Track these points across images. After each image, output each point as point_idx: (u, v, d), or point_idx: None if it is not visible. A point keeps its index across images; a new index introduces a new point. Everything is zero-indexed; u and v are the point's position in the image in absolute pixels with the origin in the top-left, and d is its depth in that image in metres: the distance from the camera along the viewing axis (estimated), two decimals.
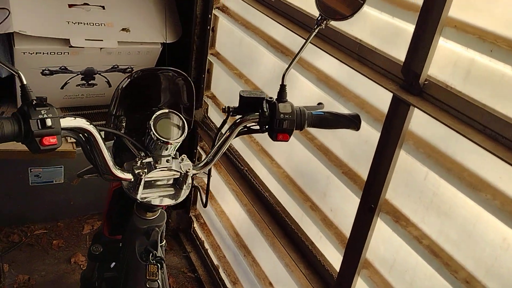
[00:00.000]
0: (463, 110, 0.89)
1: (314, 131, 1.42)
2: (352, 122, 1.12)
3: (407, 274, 1.11)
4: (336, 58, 1.20)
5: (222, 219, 2.07)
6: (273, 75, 1.62)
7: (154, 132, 1.03)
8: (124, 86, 1.05)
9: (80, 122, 0.92)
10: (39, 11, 1.88)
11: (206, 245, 2.26)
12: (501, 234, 0.87)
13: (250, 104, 1.12)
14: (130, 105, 1.12)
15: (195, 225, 2.37)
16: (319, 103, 1.22)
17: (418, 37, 0.96)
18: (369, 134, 1.19)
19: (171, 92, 1.16)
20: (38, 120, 0.82)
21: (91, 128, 0.94)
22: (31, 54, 1.88)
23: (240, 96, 1.12)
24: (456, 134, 0.88)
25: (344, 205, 1.32)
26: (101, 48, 1.97)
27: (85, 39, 1.91)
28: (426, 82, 0.97)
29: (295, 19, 1.41)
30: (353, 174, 1.26)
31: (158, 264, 1.22)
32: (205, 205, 1.33)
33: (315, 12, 1.09)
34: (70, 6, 1.97)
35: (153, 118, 1.04)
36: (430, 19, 0.93)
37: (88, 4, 2.00)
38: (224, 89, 2.02)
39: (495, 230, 0.88)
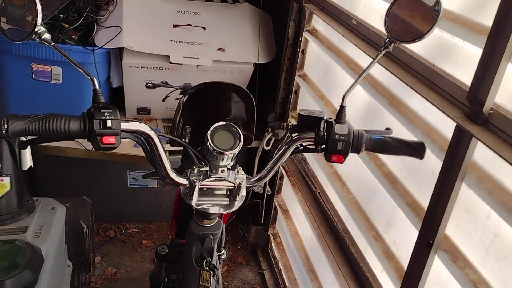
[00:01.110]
0: None
1: (383, 157, 1.37)
2: (416, 150, 1.05)
3: None
4: (406, 83, 1.15)
5: (295, 240, 2.06)
6: (351, 98, 1.60)
7: (211, 142, 1.08)
8: (187, 97, 1.12)
9: (140, 127, 1.00)
10: (146, 30, 2.09)
11: (280, 265, 2.25)
12: None
13: (309, 123, 1.12)
14: (194, 115, 1.19)
15: (272, 243, 2.39)
16: (387, 128, 1.18)
17: (485, 61, 0.89)
18: (437, 165, 1.11)
19: (232, 106, 1.21)
20: (100, 121, 0.92)
21: (151, 133, 1.02)
22: (137, 68, 2.09)
23: (299, 114, 1.13)
24: None
25: (407, 238, 1.24)
26: (197, 66, 2.12)
27: (184, 57, 2.08)
28: (491, 111, 0.89)
29: (373, 42, 1.38)
30: (417, 206, 1.18)
31: (211, 272, 1.25)
32: (260, 220, 1.34)
33: None
34: (175, 26, 2.16)
35: (211, 129, 1.09)
36: (498, 43, 0.85)
37: (191, 25, 2.18)
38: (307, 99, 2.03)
39: None
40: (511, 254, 0.87)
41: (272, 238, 2.39)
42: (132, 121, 1.01)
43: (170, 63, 2.08)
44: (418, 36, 1.02)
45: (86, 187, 2.29)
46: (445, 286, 1.04)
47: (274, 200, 2.36)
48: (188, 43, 2.12)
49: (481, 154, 0.95)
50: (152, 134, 1.02)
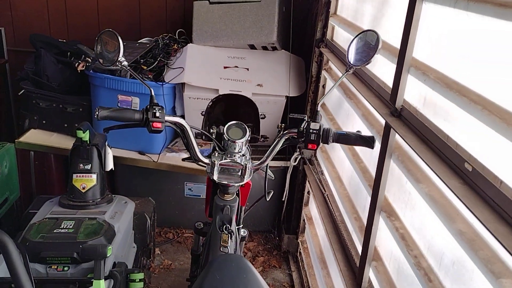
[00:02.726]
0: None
1: (362, 156, 1.79)
2: (368, 142, 1.49)
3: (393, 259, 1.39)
4: (358, 90, 1.60)
5: (314, 240, 2.46)
6: (348, 118, 2.05)
7: (226, 134, 1.60)
8: (211, 105, 1.66)
9: (178, 119, 1.55)
10: (203, 70, 2.71)
11: (305, 266, 2.64)
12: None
13: (295, 122, 1.60)
14: (217, 118, 1.72)
15: (301, 249, 2.79)
16: (358, 131, 1.62)
17: (396, 73, 1.34)
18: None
19: (242, 112, 1.73)
20: (152, 112, 1.48)
21: (185, 124, 1.57)
22: (194, 99, 2.70)
23: (289, 117, 1.62)
24: None
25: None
26: None
27: (230, 90, 2.65)
28: (401, 107, 1.33)
29: (357, 74, 1.85)
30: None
31: (229, 234, 1.72)
32: (265, 198, 1.80)
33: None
34: (225, 67, 2.77)
35: (226, 126, 1.61)
36: (402, 61, 1.30)
37: (237, 67, 2.77)
38: None
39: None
40: (416, 205, 1.26)
41: (301, 244, 2.80)
42: (174, 116, 1.56)
43: (219, 95, 2.66)
44: (366, 61, 1.48)
45: (151, 193, 2.87)
46: (384, 233, 1.44)
47: (303, 211, 2.79)
48: (234, 80, 2.71)
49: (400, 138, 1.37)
50: (186, 125, 1.57)
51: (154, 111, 1.49)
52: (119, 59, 1.55)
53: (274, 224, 3.06)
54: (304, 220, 2.79)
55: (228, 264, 1.28)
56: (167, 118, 1.53)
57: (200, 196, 2.99)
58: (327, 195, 2.20)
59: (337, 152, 2.22)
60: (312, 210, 2.68)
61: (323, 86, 2.54)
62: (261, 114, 2.82)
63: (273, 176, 1.85)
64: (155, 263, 2.80)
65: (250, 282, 1.18)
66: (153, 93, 1.55)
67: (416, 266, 1.19)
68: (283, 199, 2.86)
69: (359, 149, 1.86)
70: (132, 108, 2.72)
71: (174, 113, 2.87)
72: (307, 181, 2.70)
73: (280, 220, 3.02)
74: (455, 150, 1.01)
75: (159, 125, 1.50)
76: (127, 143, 2.81)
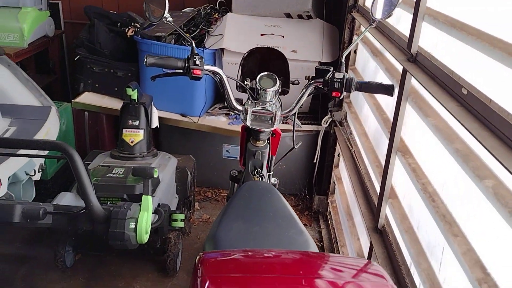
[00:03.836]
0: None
1: (386, 109, 1.92)
2: (388, 90, 1.62)
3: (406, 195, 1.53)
4: (380, 43, 1.73)
5: (342, 197, 2.61)
6: (374, 77, 2.18)
7: (258, 84, 1.77)
8: (245, 57, 1.84)
9: (216, 68, 1.74)
10: (241, 37, 2.89)
11: (334, 223, 2.80)
12: None
13: (321, 73, 1.75)
14: (251, 70, 1.89)
15: (330, 208, 2.94)
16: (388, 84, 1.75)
17: (412, 21, 1.46)
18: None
19: (274, 64, 1.89)
20: (193, 61, 1.67)
21: (222, 73, 1.75)
22: (232, 64, 2.88)
23: (316, 68, 1.77)
24: None
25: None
26: None
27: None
28: (417, 53, 1.46)
29: (387, 34, 1.97)
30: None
31: (260, 178, 1.91)
32: (294, 147, 1.97)
33: None
34: (262, 35, 2.93)
35: (259, 76, 1.78)
36: (417, 10, 1.43)
37: (273, 34, 2.93)
38: (356, 99, 2.62)
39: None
40: (430, 145, 1.39)
41: (330, 204, 2.95)
42: (212, 66, 1.75)
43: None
44: (388, 15, 1.61)
45: (191, 153, 3.09)
46: (400, 172, 1.58)
47: (333, 173, 2.93)
48: (269, 45, 2.86)
49: (415, 82, 1.50)
50: (222, 74, 1.75)
51: (195, 59, 1.69)
52: (164, 15, 1.74)
53: (306, 186, 3.22)
54: (334, 181, 2.94)
55: (257, 187, 1.46)
56: (205, 66, 1.72)
57: (237, 158, 3.19)
58: (354, 151, 2.34)
59: (365, 111, 2.35)
60: (342, 171, 2.82)
61: (355, 51, 2.65)
62: (294, 80, 2.97)
63: (300, 126, 2.00)
64: (194, 216, 3.03)
65: (274, 200, 1.35)
66: (193, 45, 1.74)
67: (423, 191, 1.33)
68: (315, 162, 3.02)
69: (382, 102, 1.99)
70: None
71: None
72: (337, 144, 2.84)
73: (312, 182, 3.18)
74: (453, 78, 1.14)
75: (198, 72, 1.70)
76: (170, 106, 3.04)
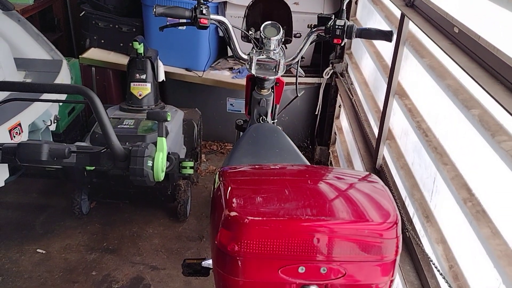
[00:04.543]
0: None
1: (385, 56, 2.00)
2: (387, 35, 1.69)
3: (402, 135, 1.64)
4: None
5: (342, 146, 2.73)
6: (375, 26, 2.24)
7: (263, 32, 1.84)
8: (249, 7, 1.91)
9: (222, 18, 1.81)
10: None
11: None
12: None
13: (323, 21, 1.82)
14: (255, 20, 1.96)
15: (331, 158, 3.07)
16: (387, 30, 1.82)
17: None
18: None
19: (277, 14, 1.95)
20: (199, 10, 1.74)
21: (228, 22, 1.82)
22: (235, 17, 2.93)
23: (318, 16, 1.84)
24: None
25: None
26: None
27: None
28: None
29: None
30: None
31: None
32: (297, 94, 2.06)
33: None
34: None
35: (263, 25, 1.85)
36: None
37: None
38: (356, 49, 2.69)
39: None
40: (425, 86, 1.49)
41: (331, 154, 3.07)
42: (218, 15, 1.82)
43: None
44: None
45: (197, 107, 3.19)
46: (396, 112, 1.68)
47: (334, 124, 3.04)
48: None
49: (412, 26, 1.57)
50: (228, 23, 1.82)
51: (201, 9, 1.75)
52: None
53: (308, 137, 3.34)
54: (335, 132, 3.05)
55: (263, 127, 1.57)
56: (212, 16, 1.79)
57: (240, 111, 3.29)
58: (354, 100, 2.43)
59: (365, 60, 2.43)
60: (343, 121, 2.93)
61: (356, 2, 2.70)
62: (296, 33, 3.03)
63: (303, 73, 2.09)
64: (201, 167, 3.17)
65: (279, 139, 1.46)
66: None
67: (418, 128, 1.44)
68: (316, 113, 3.12)
69: (381, 49, 2.06)
70: (179, 28, 2.99)
71: (217, 33, 3.12)
72: (338, 95, 2.93)
73: (314, 133, 3.29)
74: (446, 18, 1.22)
75: (205, 21, 1.77)
76: (175, 61, 3.11)
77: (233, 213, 0.72)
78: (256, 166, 0.95)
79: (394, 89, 1.68)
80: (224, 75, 3.13)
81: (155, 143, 2.02)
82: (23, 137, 1.79)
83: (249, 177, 0.84)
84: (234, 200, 0.76)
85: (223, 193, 0.80)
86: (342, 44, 2.17)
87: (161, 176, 1.52)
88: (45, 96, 1.63)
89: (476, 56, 1.08)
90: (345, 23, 1.75)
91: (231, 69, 3.20)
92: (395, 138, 1.76)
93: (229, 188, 0.80)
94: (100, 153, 1.43)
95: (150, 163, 1.45)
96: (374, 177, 0.91)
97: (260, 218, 0.71)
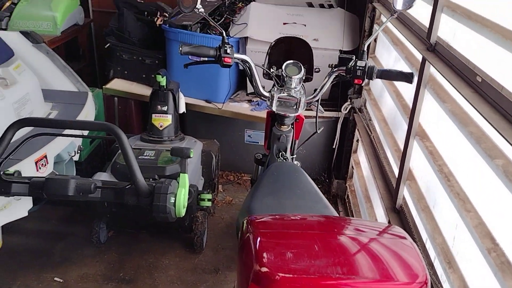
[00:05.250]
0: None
1: (402, 93, 2.02)
2: (407, 77, 1.72)
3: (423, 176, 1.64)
4: (400, 32, 1.83)
5: (360, 181, 2.72)
6: (394, 65, 2.27)
7: (284, 71, 1.88)
8: (271, 46, 1.95)
9: (245, 57, 1.86)
10: (264, 26, 2.99)
11: (352, 206, 2.91)
12: None
13: (344, 61, 1.86)
14: (277, 59, 2.00)
15: (349, 192, 3.06)
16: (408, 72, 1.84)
17: (431, 13, 1.56)
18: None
19: (299, 53, 1.99)
20: (224, 50, 1.79)
21: (251, 61, 1.87)
22: (256, 52, 2.99)
23: (339, 56, 1.87)
24: None
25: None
26: None
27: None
28: (435, 43, 1.55)
29: (409, 27, 2.06)
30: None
31: (284, 160, 2.02)
32: (316, 131, 2.08)
33: None
34: (284, 23, 3.04)
35: (285, 64, 1.89)
36: (437, 1, 1.52)
37: (295, 23, 3.03)
38: (375, 86, 2.71)
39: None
40: (447, 129, 1.49)
41: (348, 188, 3.07)
42: (241, 54, 1.86)
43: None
44: (409, 6, 1.70)
45: (215, 138, 3.22)
46: (417, 155, 1.68)
47: (351, 158, 3.04)
48: (292, 34, 2.96)
49: (434, 70, 1.59)
50: (251, 62, 1.87)
51: (226, 48, 1.80)
52: (197, 5, 1.86)
53: (325, 171, 3.34)
54: (352, 166, 3.05)
55: (284, 166, 1.58)
56: (236, 55, 1.83)
57: (258, 143, 3.32)
58: (373, 136, 2.44)
59: (384, 98, 2.45)
60: (360, 155, 2.93)
61: (375, 40, 2.74)
62: (315, 68, 3.07)
63: (323, 111, 2.11)
64: (218, 198, 3.18)
65: (300, 179, 1.47)
66: (224, 34, 1.86)
67: (439, 172, 1.44)
68: (334, 147, 3.13)
69: (401, 89, 2.08)
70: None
71: (237, 67, 3.18)
72: (356, 130, 2.94)
73: (331, 167, 3.29)
74: (469, 67, 1.24)
75: (229, 60, 1.82)
76: (196, 92, 3.17)
77: (264, 269, 0.73)
78: (285, 217, 0.96)
79: (414, 130, 1.69)
80: (243, 107, 3.18)
81: (176, 177, 2.04)
82: (48, 169, 1.84)
83: (278, 229, 0.85)
84: (264, 254, 0.77)
85: (252, 246, 0.81)
86: (363, 85, 2.20)
87: (183, 212, 1.54)
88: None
89: (499, 107, 1.09)
90: (366, 64, 1.78)
91: (250, 101, 3.25)
92: (415, 179, 1.76)
93: (259, 240, 0.81)
94: (124, 189, 1.46)
95: (172, 200, 1.47)
96: (403, 232, 0.91)
97: (291, 275, 0.73)
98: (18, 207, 1.71)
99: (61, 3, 3.25)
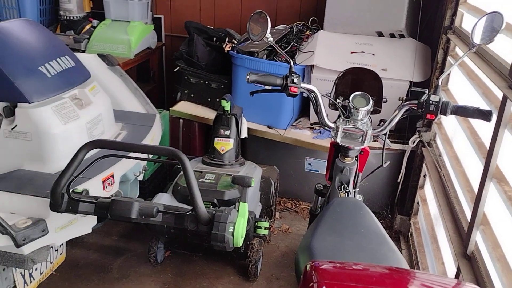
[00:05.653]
0: None
1: (478, 131, 1.90)
2: (486, 115, 1.61)
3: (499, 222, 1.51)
4: (480, 69, 1.73)
5: (426, 219, 2.57)
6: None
7: (352, 102, 1.83)
8: (339, 77, 1.91)
9: (311, 87, 1.83)
10: (331, 54, 2.96)
11: (416, 244, 2.75)
12: None
13: (416, 95, 1.78)
14: (344, 89, 1.96)
15: (413, 230, 2.90)
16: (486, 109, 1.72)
17: None
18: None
19: (367, 84, 1.94)
20: (291, 79, 1.77)
21: (317, 91, 1.84)
22: (321, 80, 2.96)
23: (410, 90, 1.80)
24: None
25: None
26: None
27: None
28: None
29: (484, 57, 1.95)
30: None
31: (346, 194, 1.96)
32: (382, 165, 1.99)
33: None
34: (352, 52, 2.98)
35: (352, 95, 1.84)
36: None
37: (364, 52, 2.97)
38: (447, 120, 2.57)
39: None
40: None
41: (413, 225, 2.91)
42: (308, 84, 1.84)
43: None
44: (489, 40, 1.61)
45: (275, 164, 3.20)
46: (493, 199, 1.56)
47: (417, 194, 2.89)
48: (359, 64, 2.90)
49: None
50: (317, 92, 1.84)
51: (292, 77, 1.79)
52: (266, 35, 1.87)
53: (388, 205, 3.20)
54: (418, 202, 2.90)
55: (348, 202, 1.52)
56: (302, 85, 1.81)
57: (318, 171, 3.25)
58: (443, 173, 2.31)
59: (456, 133, 2.31)
60: (427, 192, 2.78)
61: (448, 74, 2.62)
62: (383, 98, 2.98)
63: (390, 145, 2.03)
64: (274, 225, 3.13)
65: (365, 217, 1.41)
66: (292, 64, 1.85)
67: None
68: (399, 181, 3.00)
69: (476, 126, 1.96)
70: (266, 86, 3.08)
71: (301, 94, 3.16)
72: (424, 164, 2.80)
73: (394, 201, 3.15)
74: None
75: (295, 89, 1.80)
76: (258, 118, 3.18)
77: None
78: (350, 267, 0.91)
79: (491, 172, 1.57)
80: (304, 134, 3.14)
81: (234, 202, 2.02)
82: (114, 188, 1.89)
83: (344, 281, 0.80)
84: None
85: None
86: (436, 120, 2.10)
87: (240, 242, 1.51)
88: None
89: None
90: (440, 99, 1.70)
91: (312, 128, 3.21)
92: (490, 224, 1.63)
93: None
94: (185, 215, 1.47)
95: (231, 229, 1.45)
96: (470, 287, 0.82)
97: None
98: (83, 224, 1.76)
99: (136, 28, 3.42)
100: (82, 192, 1.57)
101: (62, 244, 2.06)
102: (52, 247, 1.75)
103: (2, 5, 3.34)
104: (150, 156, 1.92)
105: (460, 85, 2.37)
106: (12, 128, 1.79)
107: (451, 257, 1.94)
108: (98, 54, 2.51)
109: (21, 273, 1.79)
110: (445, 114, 1.69)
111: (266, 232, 2.35)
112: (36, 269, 1.88)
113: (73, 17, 3.46)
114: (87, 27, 3.48)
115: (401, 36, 2.99)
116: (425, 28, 3.08)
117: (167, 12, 3.87)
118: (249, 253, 2.55)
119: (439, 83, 1.72)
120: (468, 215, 1.81)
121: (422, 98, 1.74)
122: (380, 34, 3.00)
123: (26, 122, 1.78)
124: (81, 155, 1.43)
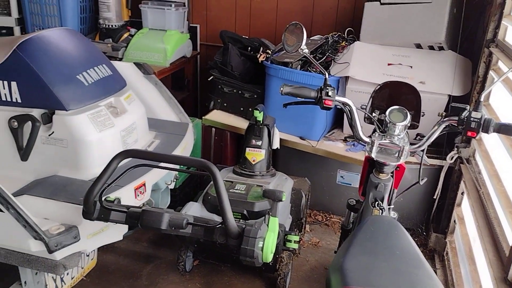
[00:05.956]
0: None
1: None
2: None
3: None
4: None
5: (463, 239, 2.47)
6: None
7: (388, 117, 1.78)
8: (376, 91, 1.86)
9: (347, 100, 1.79)
10: (367, 66, 2.90)
11: (451, 264, 2.65)
12: None
13: (457, 111, 1.71)
14: (380, 103, 1.91)
15: (448, 248, 2.79)
16: None
17: None
18: None
19: (405, 98, 1.88)
20: (325, 92, 1.74)
21: (352, 105, 1.80)
22: (356, 92, 2.91)
23: (450, 106, 1.73)
24: None
25: None
26: None
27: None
28: None
29: None
30: None
31: (380, 210, 1.90)
32: (419, 183, 1.92)
33: None
34: (389, 64, 2.92)
35: (389, 109, 1.79)
36: None
37: (401, 64, 2.90)
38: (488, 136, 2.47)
39: None
40: None
41: (448, 244, 2.80)
42: (343, 97, 1.80)
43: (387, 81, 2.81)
44: None
45: (306, 176, 3.15)
46: None
47: (454, 212, 2.78)
48: (396, 76, 2.84)
49: None
50: (352, 106, 1.80)
51: (327, 90, 1.76)
52: (301, 46, 1.84)
53: (423, 222, 3.10)
54: (454, 220, 2.79)
55: (382, 222, 1.47)
56: (337, 98, 1.78)
57: (351, 184, 3.19)
58: (482, 192, 2.21)
59: (498, 151, 2.21)
60: (465, 210, 2.67)
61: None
62: (421, 112, 2.90)
63: (428, 162, 1.95)
64: (304, 238, 3.08)
65: (400, 238, 1.35)
66: (327, 76, 1.81)
67: None
68: (435, 197, 2.90)
69: None
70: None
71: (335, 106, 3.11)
72: (462, 181, 2.70)
73: (429, 218, 3.04)
74: None
75: (330, 102, 1.76)
76: (291, 128, 3.15)
77: None
78: None
79: None
80: (337, 146, 3.08)
81: (264, 214, 1.97)
82: (146, 196, 1.90)
83: None
84: None
85: None
86: (477, 138, 2.01)
87: (270, 258, 1.48)
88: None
89: None
90: (482, 116, 1.62)
91: (345, 140, 3.15)
92: None
93: None
94: (214, 228, 1.45)
95: (260, 244, 1.43)
96: None
97: None
98: (115, 231, 1.78)
99: (172, 37, 3.46)
100: (114, 200, 1.58)
101: (93, 250, 2.08)
102: (83, 253, 1.77)
103: (44, 13, 3.45)
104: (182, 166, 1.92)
105: (503, 100, 2.28)
106: (49, 135, 1.83)
107: (490, 281, 1.85)
108: (134, 63, 2.55)
109: (52, 277, 1.82)
110: (487, 132, 1.61)
111: (296, 246, 2.30)
112: (67, 273, 1.91)
113: (112, 25, 3.53)
114: (125, 35, 3.55)
115: (441, 48, 2.90)
116: (465, 40, 2.99)
117: (203, 22, 3.91)
118: (278, 266, 2.51)
119: (481, 99, 1.65)
120: (510, 238, 1.72)
121: (463, 114, 1.67)
122: (418, 46, 2.92)
123: (63, 129, 1.82)
124: (114, 164, 1.44)
